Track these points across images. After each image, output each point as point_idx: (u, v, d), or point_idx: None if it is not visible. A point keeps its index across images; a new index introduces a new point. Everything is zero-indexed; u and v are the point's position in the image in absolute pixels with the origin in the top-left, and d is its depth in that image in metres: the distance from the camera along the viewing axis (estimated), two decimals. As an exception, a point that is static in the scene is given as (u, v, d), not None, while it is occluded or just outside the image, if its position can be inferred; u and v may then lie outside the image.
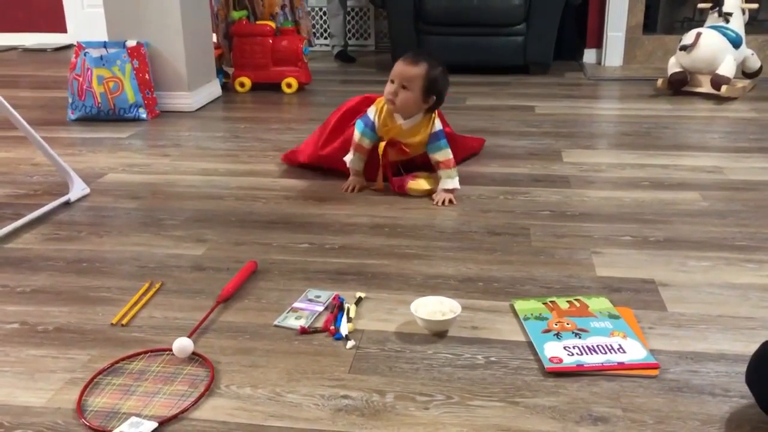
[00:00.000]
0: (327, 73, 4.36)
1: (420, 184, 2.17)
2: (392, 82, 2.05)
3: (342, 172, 2.27)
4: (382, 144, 2.14)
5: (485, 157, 2.56)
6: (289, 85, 3.73)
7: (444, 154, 2.13)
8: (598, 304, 1.50)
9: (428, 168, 2.22)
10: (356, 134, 2.17)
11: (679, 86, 3.55)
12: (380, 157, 2.14)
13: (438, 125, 2.14)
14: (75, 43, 3.16)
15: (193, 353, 1.33)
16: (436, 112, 2.15)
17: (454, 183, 2.13)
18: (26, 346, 1.38)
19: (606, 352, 1.31)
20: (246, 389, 1.24)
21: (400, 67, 2.05)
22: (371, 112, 2.15)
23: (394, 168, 2.21)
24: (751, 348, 1.19)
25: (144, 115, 3.12)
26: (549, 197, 2.16)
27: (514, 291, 1.58)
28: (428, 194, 2.14)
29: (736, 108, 3.33)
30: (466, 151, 2.51)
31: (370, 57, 4.96)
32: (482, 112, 3.31)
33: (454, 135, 2.38)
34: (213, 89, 3.57)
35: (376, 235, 1.89)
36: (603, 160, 2.55)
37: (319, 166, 2.38)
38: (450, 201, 2.09)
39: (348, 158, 2.20)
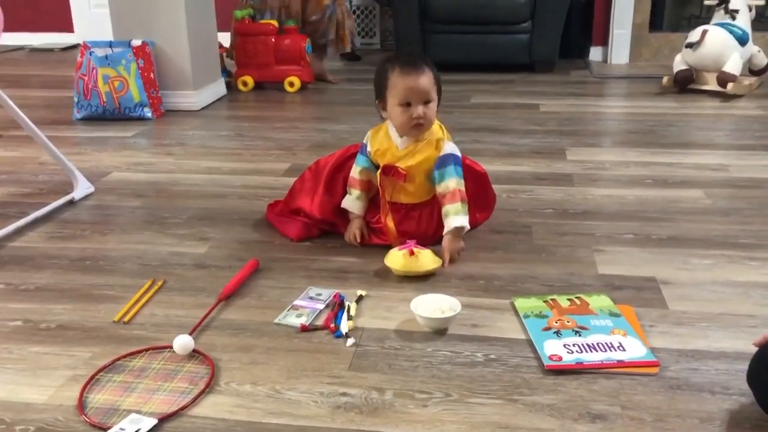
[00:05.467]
0: (332, 71, 4.35)
1: (425, 259, 1.63)
2: (409, 104, 1.64)
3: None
4: (378, 173, 1.74)
5: (489, 154, 2.56)
6: (291, 84, 3.74)
7: (447, 185, 1.69)
8: (599, 302, 1.49)
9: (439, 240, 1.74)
10: (353, 168, 1.82)
11: (685, 84, 3.53)
12: (379, 190, 1.74)
13: (448, 148, 1.71)
14: (81, 43, 3.18)
15: (194, 350, 1.33)
16: (445, 131, 1.75)
17: (461, 220, 1.68)
18: (29, 343, 1.39)
19: (606, 350, 1.31)
20: (246, 386, 1.24)
21: (412, 83, 1.63)
22: (366, 137, 1.80)
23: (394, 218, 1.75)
24: (752, 346, 1.18)
25: (149, 114, 3.13)
26: (552, 195, 2.16)
27: (515, 289, 1.58)
28: (430, 274, 1.64)
29: (742, 105, 3.32)
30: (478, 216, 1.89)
31: (376, 55, 4.95)
32: (487, 110, 3.31)
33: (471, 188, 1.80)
34: (218, 88, 3.58)
35: (378, 233, 1.89)
36: (607, 158, 2.54)
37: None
38: (458, 253, 1.71)
39: (346, 200, 1.82)
